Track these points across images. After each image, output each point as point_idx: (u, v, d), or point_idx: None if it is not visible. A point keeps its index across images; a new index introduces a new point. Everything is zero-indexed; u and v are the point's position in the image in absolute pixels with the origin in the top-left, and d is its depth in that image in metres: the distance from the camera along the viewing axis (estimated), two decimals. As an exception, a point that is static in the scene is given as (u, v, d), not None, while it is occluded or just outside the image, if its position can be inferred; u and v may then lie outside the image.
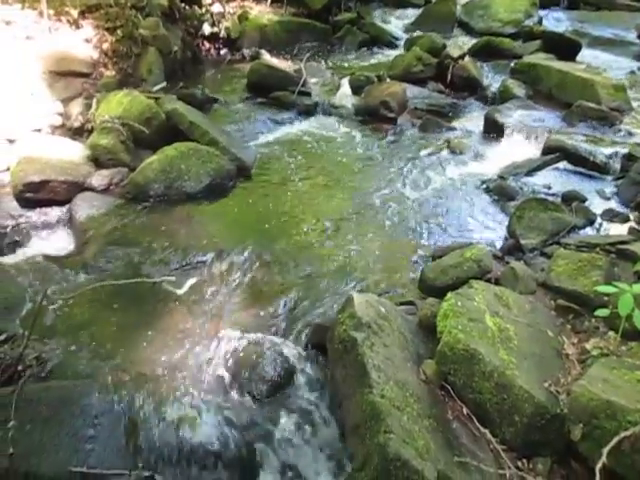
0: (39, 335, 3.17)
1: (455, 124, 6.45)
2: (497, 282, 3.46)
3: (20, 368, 3.00)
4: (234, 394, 2.95)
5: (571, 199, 4.67)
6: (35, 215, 4.48)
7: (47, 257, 3.95)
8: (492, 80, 7.43)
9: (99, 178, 4.78)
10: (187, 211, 4.46)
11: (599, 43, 8.96)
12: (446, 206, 4.81)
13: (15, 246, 4.27)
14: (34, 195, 4.54)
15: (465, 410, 2.67)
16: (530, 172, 5.30)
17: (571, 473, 2.53)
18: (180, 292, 3.59)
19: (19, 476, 2.57)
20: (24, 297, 3.50)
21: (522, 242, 4.07)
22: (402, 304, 3.37)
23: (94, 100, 5.65)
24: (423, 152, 5.78)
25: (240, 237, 4.15)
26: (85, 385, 2.87)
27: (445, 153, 5.77)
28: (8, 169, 4.81)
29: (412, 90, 6.92)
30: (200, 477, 2.63)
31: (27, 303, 3.46)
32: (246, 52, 8.44)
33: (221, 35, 8.46)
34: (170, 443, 2.65)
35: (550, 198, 4.60)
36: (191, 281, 3.67)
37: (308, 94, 6.91)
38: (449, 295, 2.99)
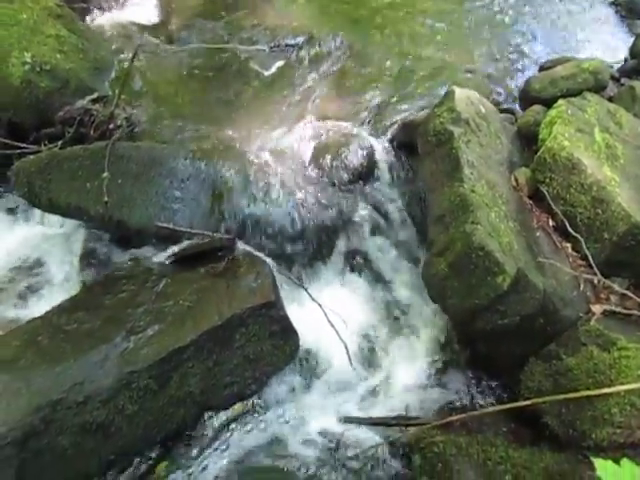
0: (128, 98, 3.18)
1: None
2: (611, 101, 3.13)
3: (111, 127, 3.07)
4: (316, 177, 2.93)
5: None
6: (120, -20, 4.27)
7: (133, 24, 3.83)
8: None
9: (186, -55, 4.41)
10: (278, -10, 4.12)
11: None
12: (563, 17, 4.22)
13: (101, 11, 4.14)
14: (118, -43, 4.28)
15: (551, 222, 2.59)
16: (671, -12, 4.52)
17: (646, 295, 2.50)
18: (267, 73, 3.45)
19: (112, 223, 2.76)
20: (112, 60, 3.46)
21: (645, 65, 3.60)
22: (501, 112, 3.13)
23: None
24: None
25: (332, 25, 3.84)
26: (173, 149, 2.91)
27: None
28: None
29: None
30: (277, 247, 2.74)
31: (115, 66, 3.43)
32: None
33: None
34: (252, 212, 2.74)
35: (691, 19, 3.98)
36: (279, 63, 3.50)
37: None
38: (560, 102, 2.74)
